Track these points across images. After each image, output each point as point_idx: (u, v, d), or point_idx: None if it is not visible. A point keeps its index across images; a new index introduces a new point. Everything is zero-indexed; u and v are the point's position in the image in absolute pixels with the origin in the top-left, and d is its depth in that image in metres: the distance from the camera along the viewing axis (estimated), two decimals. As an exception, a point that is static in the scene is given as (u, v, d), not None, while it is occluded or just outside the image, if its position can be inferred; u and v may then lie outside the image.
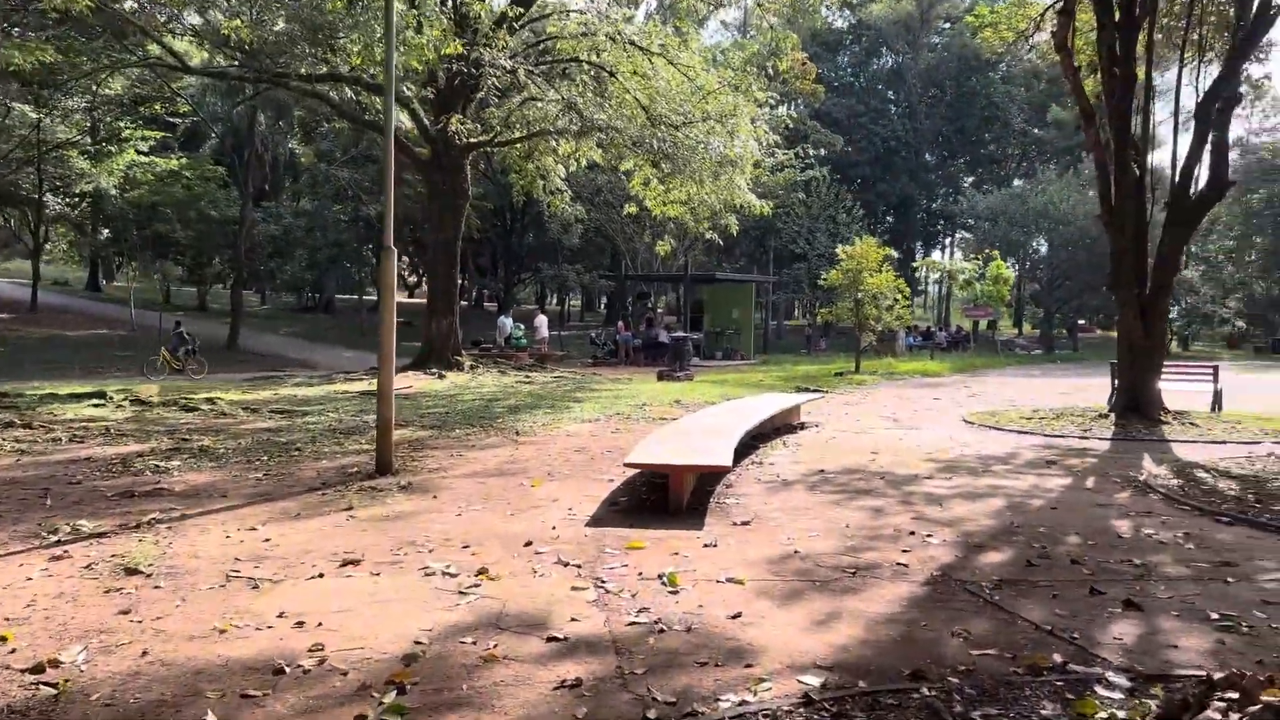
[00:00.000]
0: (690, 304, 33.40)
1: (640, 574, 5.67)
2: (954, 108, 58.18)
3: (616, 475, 9.01)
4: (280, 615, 4.80)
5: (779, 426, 12.79)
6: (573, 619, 4.80)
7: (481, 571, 5.64)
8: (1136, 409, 13.47)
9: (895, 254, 26.83)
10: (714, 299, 34.28)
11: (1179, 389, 14.87)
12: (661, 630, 4.65)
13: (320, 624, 4.68)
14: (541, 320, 31.52)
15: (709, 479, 8.59)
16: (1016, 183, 47.56)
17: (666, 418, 13.73)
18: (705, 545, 6.43)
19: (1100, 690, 3.88)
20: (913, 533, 6.89)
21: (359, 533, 6.67)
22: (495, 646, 4.37)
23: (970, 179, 63.09)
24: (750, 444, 10.87)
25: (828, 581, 5.59)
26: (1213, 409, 15.11)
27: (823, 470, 9.66)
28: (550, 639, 4.48)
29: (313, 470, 9.21)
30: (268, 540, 6.40)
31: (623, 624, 4.73)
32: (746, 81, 21.78)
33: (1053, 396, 18.77)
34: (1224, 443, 11.75)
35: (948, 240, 72.88)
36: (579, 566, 5.83)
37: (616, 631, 4.62)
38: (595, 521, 7.16)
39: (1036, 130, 57.41)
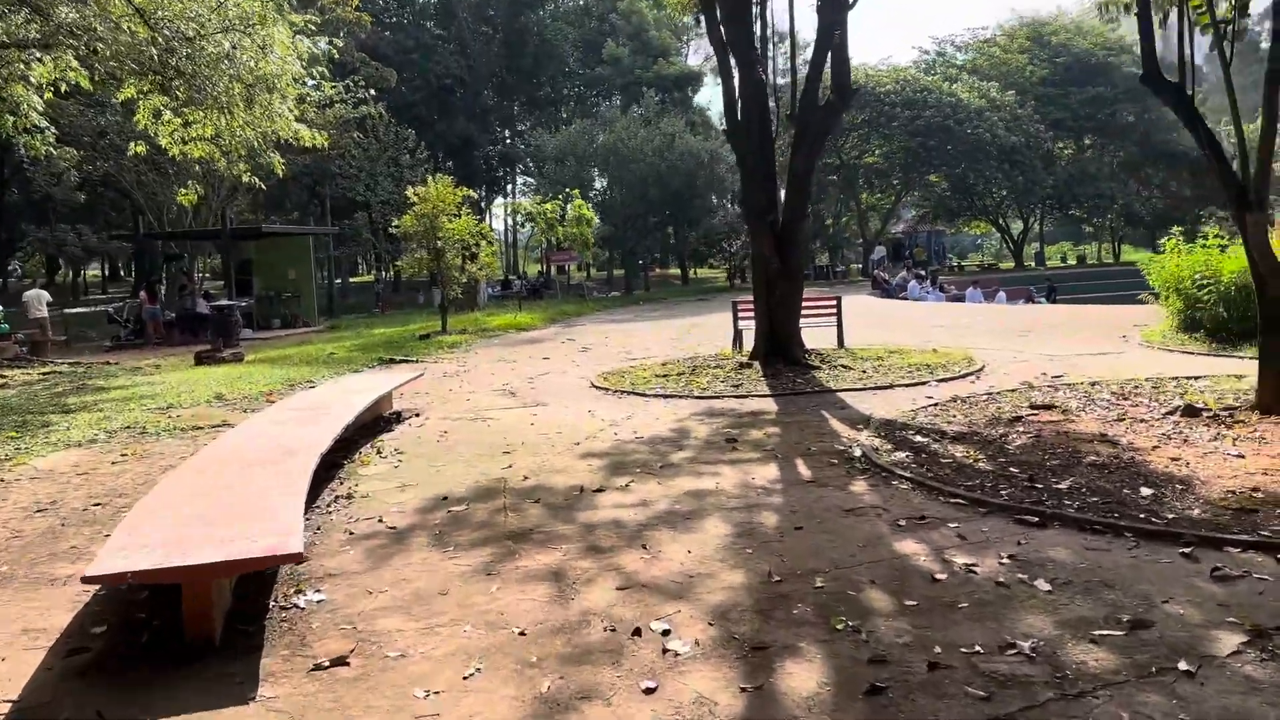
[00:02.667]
0: (236, 265, 28.11)
1: None
2: (507, 46, 56.19)
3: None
4: None
5: (366, 423, 9.37)
6: None
7: None
8: (780, 352, 11.78)
9: (474, 194, 23.88)
10: (264, 258, 29.21)
11: (804, 326, 13.48)
12: None
13: None
14: (35, 295, 24.62)
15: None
16: (576, 124, 46.36)
17: (203, 427, 9.70)
18: (263, 760, 3.04)
19: None
20: (637, 631, 4.01)
21: None
22: None
23: (529, 122, 61.85)
24: (330, 457, 7.35)
25: None
26: (839, 344, 14.01)
27: (447, 497, 6.48)
28: None
29: None
30: None
31: None
32: (277, -14, 17.34)
33: (666, 343, 17.01)
34: (890, 386, 10.25)
35: (510, 186, 71.46)
36: None
37: None
38: (20, 716, 3.46)
39: (595, 69, 57.21)
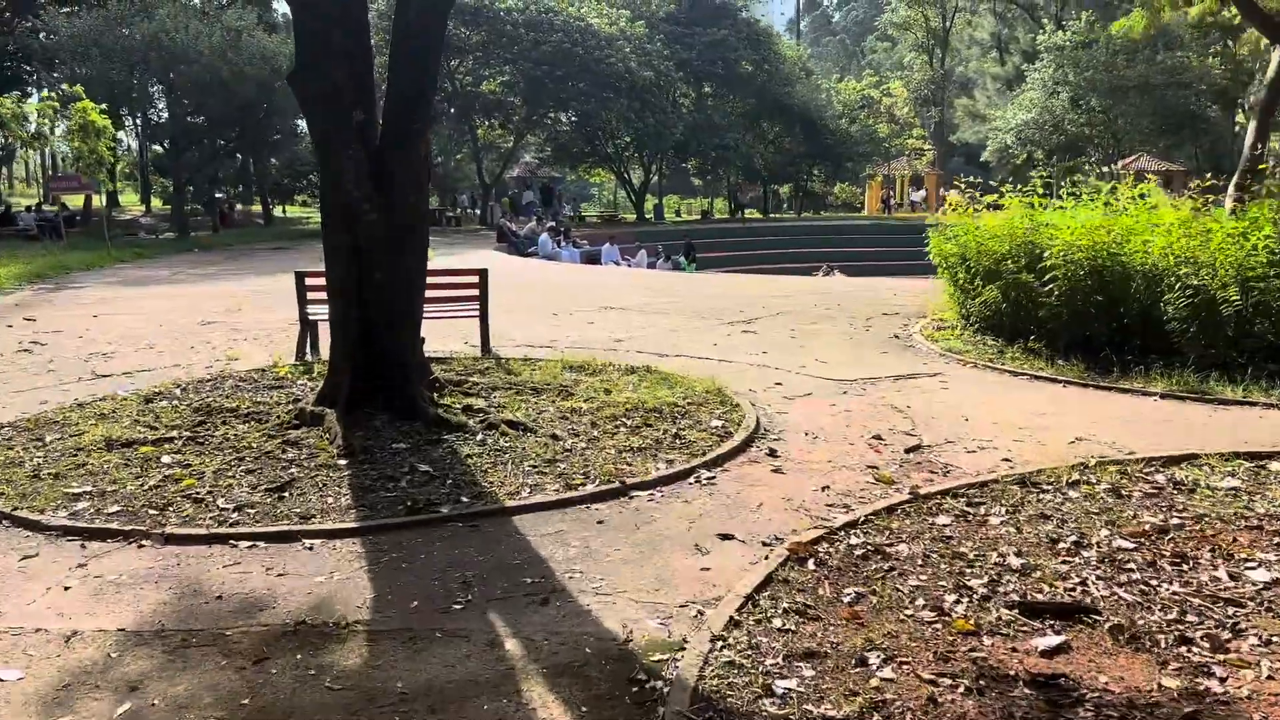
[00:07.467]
0: None
1: None
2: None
3: None
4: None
5: None
6: None
7: None
8: (383, 387, 5.86)
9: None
10: None
11: (428, 316, 7.61)
12: None
13: None
14: None
15: None
16: (113, 4, 34.17)
17: None
18: None
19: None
20: None
21: None
22: None
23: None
24: None
25: None
26: (484, 349, 8.34)
27: None
28: None
29: None
30: None
31: None
32: None
33: (185, 338, 10.20)
34: (623, 492, 4.75)
35: (46, 91, 56.64)
36: None
37: None
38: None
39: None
